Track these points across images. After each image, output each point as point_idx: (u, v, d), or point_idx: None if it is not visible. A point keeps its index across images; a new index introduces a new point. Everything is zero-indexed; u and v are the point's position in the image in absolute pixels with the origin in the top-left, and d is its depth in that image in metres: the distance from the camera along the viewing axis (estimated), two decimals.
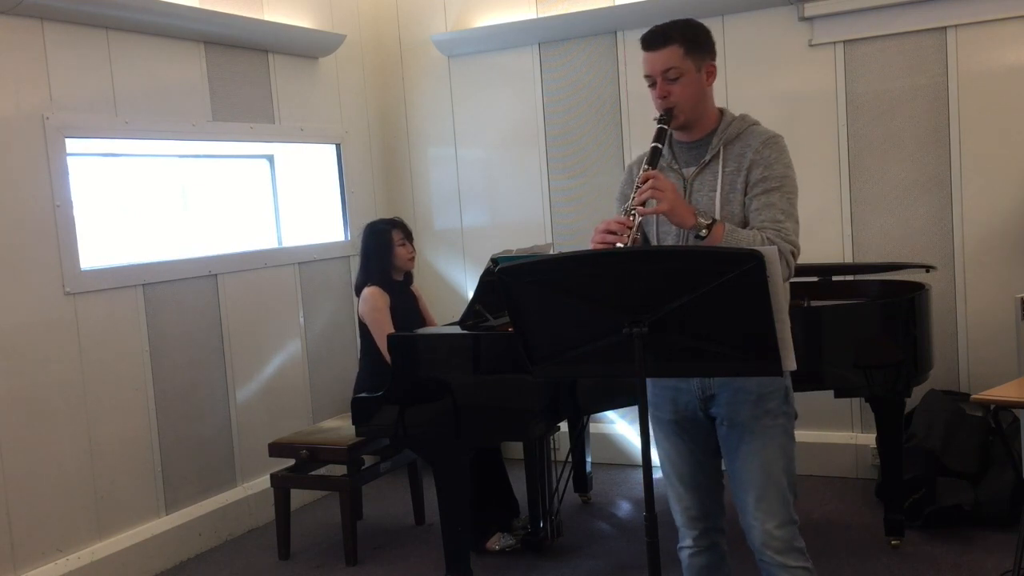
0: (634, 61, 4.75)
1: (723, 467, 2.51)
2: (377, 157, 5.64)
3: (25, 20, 3.67)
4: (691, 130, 2.44)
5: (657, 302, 1.98)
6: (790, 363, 1.99)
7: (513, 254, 3.82)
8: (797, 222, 2.36)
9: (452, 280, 5.54)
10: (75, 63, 3.86)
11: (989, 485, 3.93)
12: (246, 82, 4.70)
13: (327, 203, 5.32)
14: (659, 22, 2.44)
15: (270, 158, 5.20)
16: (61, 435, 3.76)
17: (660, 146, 2.36)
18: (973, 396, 3.16)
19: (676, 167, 2.47)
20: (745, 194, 2.37)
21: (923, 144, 4.45)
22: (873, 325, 3.70)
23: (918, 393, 4.07)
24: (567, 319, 2.12)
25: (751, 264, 1.90)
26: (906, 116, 4.46)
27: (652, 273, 2.00)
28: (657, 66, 2.38)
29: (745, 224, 2.37)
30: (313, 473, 4.25)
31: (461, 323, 3.72)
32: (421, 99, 5.56)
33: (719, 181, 2.38)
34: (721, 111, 2.48)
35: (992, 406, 3.25)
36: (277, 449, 4.22)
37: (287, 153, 5.21)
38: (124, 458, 4.01)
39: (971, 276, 4.42)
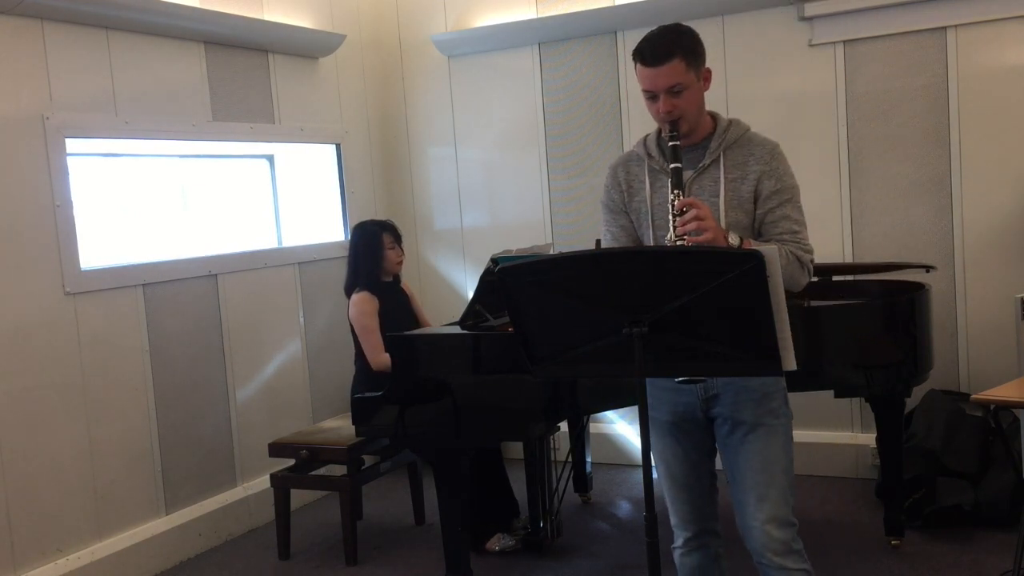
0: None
1: (719, 468, 2.51)
2: (377, 157, 5.64)
3: (25, 20, 3.67)
4: (688, 135, 2.41)
5: (657, 302, 1.97)
6: (790, 363, 1.99)
7: (513, 254, 3.82)
8: (806, 226, 2.42)
9: (452, 280, 5.54)
10: (75, 63, 3.86)
11: (989, 485, 3.93)
12: (246, 82, 4.70)
13: (327, 203, 5.32)
14: (659, 22, 2.41)
15: (270, 158, 5.20)
16: (61, 435, 3.76)
17: (681, 166, 2.33)
18: (973, 396, 3.16)
19: (668, 169, 2.41)
20: (754, 203, 2.38)
21: (923, 144, 4.44)
22: (873, 325, 3.70)
23: (918, 393, 4.07)
24: (567, 319, 2.11)
25: (751, 264, 1.89)
26: (906, 116, 4.46)
27: (652, 273, 2.00)
28: (660, 83, 2.32)
29: (752, 230, 2.40)
30: (313, 473, 4.25)
31: (461, 323, 3.71)
32: (421, 99, 5.56)
33: (722, 188, 2.38)
34: (711, 114, 2.46)
35: (992, 406, 3.26)
36: (277, 449, 4.22)
37: (287, 153, 5.21)
38: (124, 458, 4.02)
39: (971, 276, 4.42)
